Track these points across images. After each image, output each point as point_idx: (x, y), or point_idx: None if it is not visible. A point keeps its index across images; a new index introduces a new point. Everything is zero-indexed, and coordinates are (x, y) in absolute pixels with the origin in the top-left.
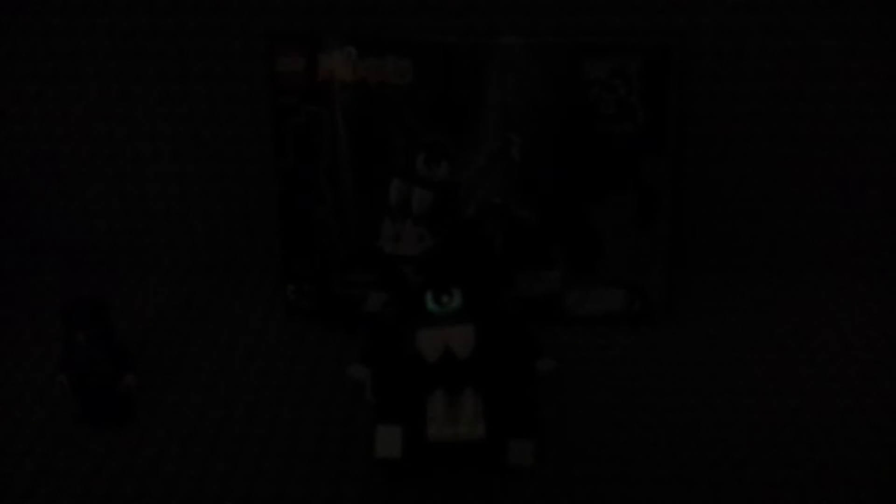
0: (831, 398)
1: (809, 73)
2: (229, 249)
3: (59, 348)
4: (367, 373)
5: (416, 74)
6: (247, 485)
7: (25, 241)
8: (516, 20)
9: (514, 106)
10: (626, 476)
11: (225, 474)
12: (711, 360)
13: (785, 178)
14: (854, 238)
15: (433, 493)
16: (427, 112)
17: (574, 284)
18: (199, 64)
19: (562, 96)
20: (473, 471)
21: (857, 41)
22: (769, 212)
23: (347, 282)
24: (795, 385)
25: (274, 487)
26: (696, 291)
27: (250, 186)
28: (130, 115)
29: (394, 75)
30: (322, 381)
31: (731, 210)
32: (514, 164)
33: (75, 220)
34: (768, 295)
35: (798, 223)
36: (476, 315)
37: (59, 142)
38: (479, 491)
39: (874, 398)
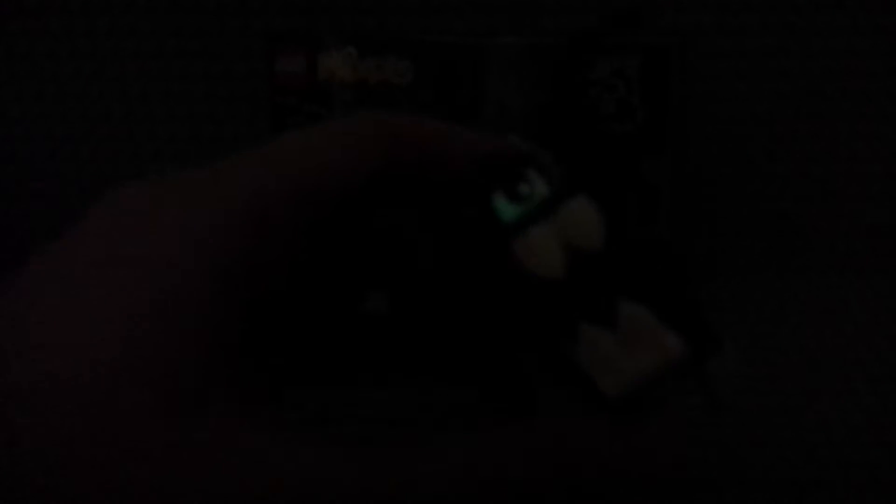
0: (831, 398)
1: (810, 73)
2: None
3: None
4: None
5: (416, 74)
6: None
7: (25, 241)
8: (516, 20)
9: (514, 106)
10: None
11: None
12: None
13: (785, 177)
14: (854, 238)
15: None
16: (427, 112)
17: None
18: (199, 64)
19: (562, 96)
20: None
21: (857, 41)
22: (769, 212)
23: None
24: (795, 385)
25: None
26: (697, 291)
27: None
28: (130, 115)
29: (394, 75)
30: None
31: (732, 210)
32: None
33: (75, 221)
34: (768, 295)
35: (798, 223)
36: (580, 181)
37: (58, 142)
38: None
39: (874, 398)
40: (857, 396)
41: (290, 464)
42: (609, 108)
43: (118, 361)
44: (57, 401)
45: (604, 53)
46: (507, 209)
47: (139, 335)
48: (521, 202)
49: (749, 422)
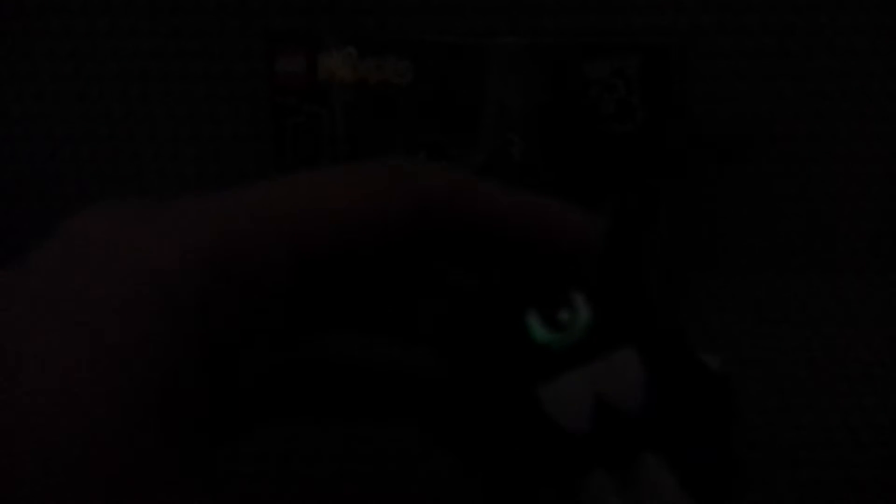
0: (831, 398)
1: (810, 73)
2: None
3: None
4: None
5: (416, 74)
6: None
7: (25, 242)
8: (516, 20)
9: (514, 106)
10: None
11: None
12: None
13: (785, 177)
14: (854, 238)
15: None
16: (427, 112)
17: None
18: (199, 64)
19: (562, 96)
20: None
21: (857, 41)
22: (769, 212)
23: None
24: (795, 385)
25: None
26: (696, 291)
27: None
28: (129, 115)
29: (394, 75)
30: None
31: (731, 210)
32: (514, 164)
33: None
34: (768, 295)
35: (798, 223)
36: (630, 329)
37: (58, 142)
38: None
39: (874, 398)
40: (857, 396)
41: None
42: (609, 108)
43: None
44: None
45: (604, 53)
46: (539, 333)
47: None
48: (558, 330)
49: (749, 422)
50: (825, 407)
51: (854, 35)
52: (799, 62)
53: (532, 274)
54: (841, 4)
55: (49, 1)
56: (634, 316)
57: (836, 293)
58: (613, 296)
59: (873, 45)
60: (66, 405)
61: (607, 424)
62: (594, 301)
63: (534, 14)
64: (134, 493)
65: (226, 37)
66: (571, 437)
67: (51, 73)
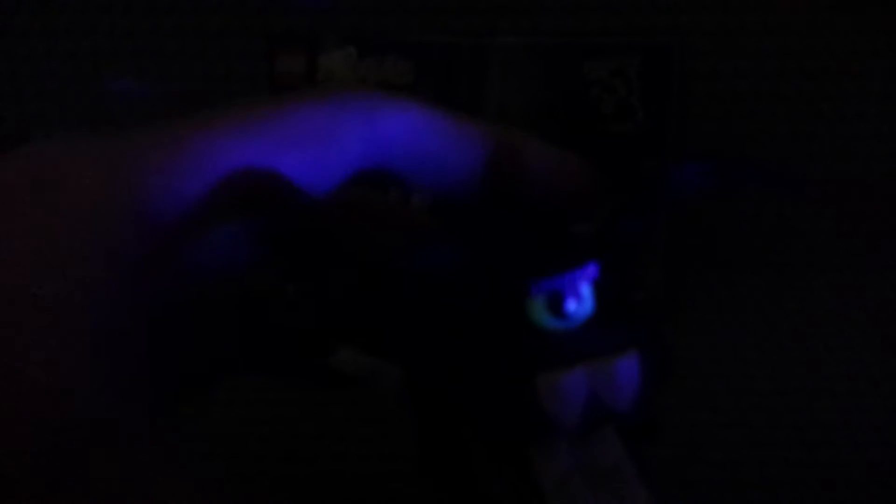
0: (831, 398)
1: (810, 73)
2: None
3: None
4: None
5: (416, 74)
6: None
7: None
8: (516, 20)
9: (514, 106)
10: None
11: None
12: (711, 360)
13: (785, 177)
14: (854, 238)
15: None
16: None
17: None
18: (199, 64)
19: (562, 96)
20: None
21: (857, 41)
22: (769, 212)
23: None
24: (796, 385)
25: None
26: (696, 291)
27: None
28: (130, 115)
29: (394, 75)
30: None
31: (732, 210)
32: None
33: None
34: (768, 295)
35: (798, 223)
36: (633, 330)
37: None
38: None
39: (874, 398)
40: (857, 396)
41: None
42: (609, 108)
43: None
44: None
45: (604, 53)
46: (546, 319)
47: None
48: (562, 319)
49: (749, 422)
50: (825, 407)
51: (854, 35)
52: (799, 62)
53: (544, 256)
54: (841, 4)
55: (49, 1)
56: (636, 319)
57: (836, 293)
58: (616, 294)
59: (873, 45)
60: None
61: (595, 421)
62: (599, 295)
63: (534, 14)
64: (100, 446)
65: (226, 37)
66: (557, 428)
67: (51, 73)
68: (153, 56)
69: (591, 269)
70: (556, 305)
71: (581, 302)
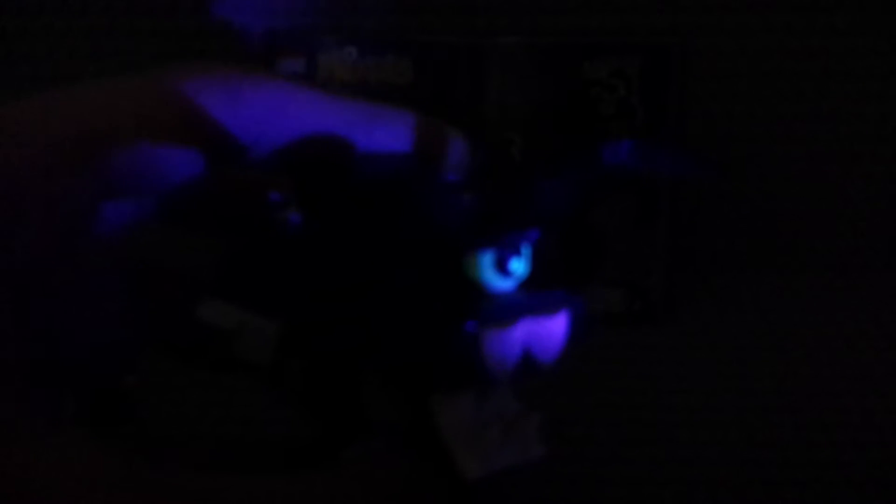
0: (831, 398)
1: (809, 73)
2: None
3: None
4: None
5: (416, 74)
6: None
7: None
8: (516, 20)
9: (514, 106)
10: (626, 476)
11: None
12: (712, 360)
13: (785, 177)
14: (854, 238)
15: None
16: (427, 112)
17: None
18: (199, 64)
19: (562, 96)
20: None
21: (857, 41)
22: (769, 212)
23: None
24: (795, 385)
25: None
26: (696, 291)
27: None
28: None
29: (394, 75)
30: None
31: (732, 210)
32: (515, 164)
33: None
34: (768, 295)
35: (798, 223)
36: (563, 292)
37: None
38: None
39: (874, 398)
40: (857, 396)
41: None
42: (609, 108)
43: None
44: None
45: (604, 53)
46: (491, 277)
47: None
48: (506, 277)
49: (749, 422)
50: (825, 407)
51: (854, 35)
52: (799, 62)
53: (489, 217)
54: (841, 4)
55: (49, 1)
56: (565, 282)
57: (836, 293)
58: (549, 258)
59: (873, 45)
60: None
61: (522, 374)
62: (536, 258)
63: (534, 14)
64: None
65: (226, 37)
66: (492, 378)
67: (51, 73)
68: (153, 56)
69: (533, 234)
70: (502, 263)
71: (522, 261)
